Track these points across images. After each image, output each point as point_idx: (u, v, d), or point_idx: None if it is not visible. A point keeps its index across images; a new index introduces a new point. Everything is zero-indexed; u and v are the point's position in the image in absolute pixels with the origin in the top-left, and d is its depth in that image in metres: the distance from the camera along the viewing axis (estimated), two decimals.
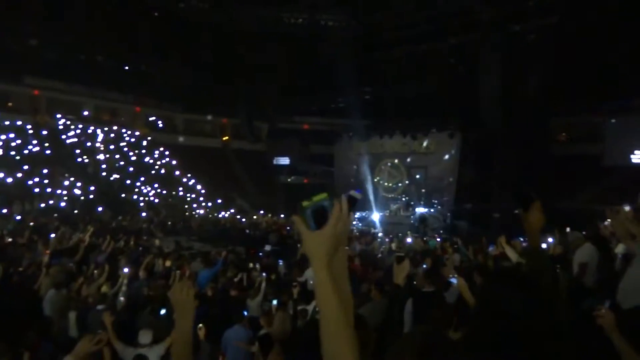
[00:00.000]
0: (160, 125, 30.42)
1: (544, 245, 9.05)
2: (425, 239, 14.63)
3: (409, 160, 23.94)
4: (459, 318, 3.15)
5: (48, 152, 21.58)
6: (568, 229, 8.78)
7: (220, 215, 21.21)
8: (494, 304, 1.36)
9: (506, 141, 20.34)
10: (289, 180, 29.42)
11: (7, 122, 22.25)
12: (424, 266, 7.31)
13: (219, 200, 24.45)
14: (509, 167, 19.21)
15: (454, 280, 3.45)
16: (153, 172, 24.91)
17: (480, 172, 20.99)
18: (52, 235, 10.04)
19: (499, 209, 18.28)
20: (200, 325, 4.01)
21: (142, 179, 23.33)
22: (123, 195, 21.32)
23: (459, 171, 22.01)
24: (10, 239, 10.47)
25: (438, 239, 14.44)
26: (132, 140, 26.74)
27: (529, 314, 1.29)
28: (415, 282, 5.61)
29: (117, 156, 24.15)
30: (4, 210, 15.84)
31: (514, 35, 22.15)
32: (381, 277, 7.60)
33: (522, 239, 9.26)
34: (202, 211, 22.42)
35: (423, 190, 22.41)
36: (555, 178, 19.14)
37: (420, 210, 20.41)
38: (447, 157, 22.53)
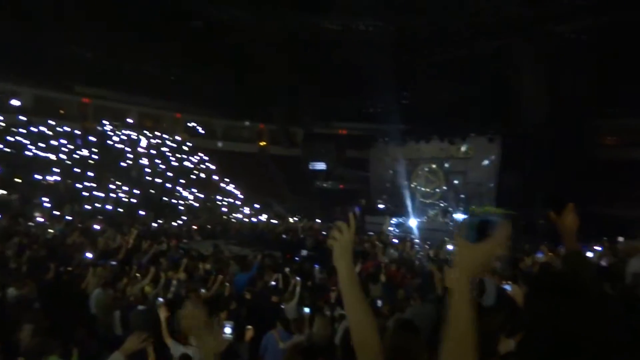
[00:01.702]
0: (200, 130, 31.27)
1: (589, 254, 8.68)
2: None
3: (446, 165, 23.47)
4: (512, 325, 3.04)
5: (95, 157, 22.58)
6: (621, 238, 8.37)
7: (257, 220, 21.50)
8: (540, 314, 1.30)
9: (549, 145, 19.61)
10: (324, 185, 29.49)
11: (59, 129, 23.51)
12: None
13: (256, 205, 24.80)
14: (552, 172, 18.50)
15: (507, 287, 3.32)
16: (193, 176, 25.60)
17: (522, 177, 20.30)
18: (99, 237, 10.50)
19: (544, 215, 17.58)
20: (249, 326, 4.06)
21: (182, 182, 24.01)
22: (164, 199, 21.98)
23: (500, 176, 21.37)
24: (60, 240, 11.01)
25: None
26: (173, 145, 27.60)
27: (578, 324, 1.23)
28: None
29: (159, 161, 24.97)
30: (55, 213, 16.66)
31: (556, 36, 21.37)
32: (419, 284, 7.48)
33: None
34: (239, 215, 22.80)
35: (462, 196, 21.91)
36: (604, 184, 18.27)
37: (459, 216, 19.95)
38: (486, 162, 21.92)
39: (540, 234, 15.07)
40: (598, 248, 8.81)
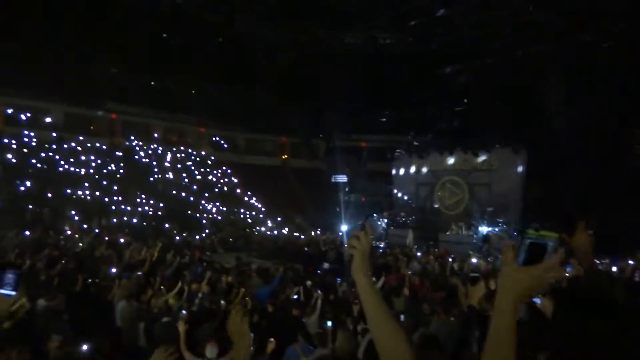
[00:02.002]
0: (223, 144, 31.76)
1: (614, 269, 8.35)
2: (489, 259, 13.98)
3: (470, 177, 23.12)
4: (537, 341, 2.94)
5: (122, 171, 23.18)
6: None
7: (279, 233, 21.58)
8: (571, 333, 1.25)
9: (577, 156, 19.11)
10: (346, 198, 29.43)
11: (88, 144, 24.27)
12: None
13: (278, 218, 24.92)
14: (581, 183, 17.99)
15: (537, 300, 3.21)
16: (216, 190, 25.95)
17: (549, 188, 19.82)
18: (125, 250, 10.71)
19: (571, 228, 17.08)
20: (272, 339, 4.08)
21: (206, 195, 24.36)
22: (189, 212, 22.32)
23: (526, 188, 20.92)
24: (89, 252, 11.29)
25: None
26: (198, 159, 28.10)
27: (610, 347, 1.18)
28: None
29: (184, 175, 25.44)
30: (84, 226, 17.13)
31: (582, 45, 20.97)
32: (444, 298, 7.35)
33: (598, 261, 8.61)
34: (262, 228, 22.93)
35: (487, 209, 21.51)
36: (635, 193, 17.65)
37: (484, 229, 19.56)
38: (512, 173, 21.51)
39: (569, 246, 14.61)
40: (631, 262, 8.49)
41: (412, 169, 25.46)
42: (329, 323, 5.50)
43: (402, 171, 26.41)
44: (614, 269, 8.48)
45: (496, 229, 19.80)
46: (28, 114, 23.92)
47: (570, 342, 1.27)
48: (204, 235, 19.04)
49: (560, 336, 1.34)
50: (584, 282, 2.05)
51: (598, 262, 8.94)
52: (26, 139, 22.51)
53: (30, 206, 17.88)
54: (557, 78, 20.74)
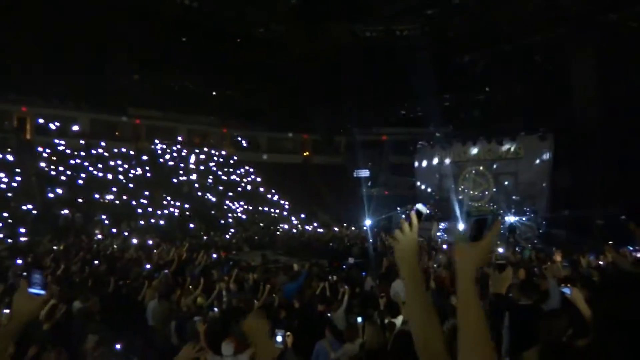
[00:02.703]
0: (245, 144, 32.06)
1: None
2: (517, 249, 13.72)
3: (495, 166, 22.66)
4: (574, 331, 2.90)
5: (148, 174, 23.68)
6: None
7: (303, 229, 21.68)
8: (615, 314, 1.19)
9: (605, 141, 18.51)
10: (369, 192, 29.31)
11: (114, 150, 24.89)
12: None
13: (302, 215, 25.02)
14: (609, 169, 17.43)
15: (567, 291, 3.14)
16: (240, 189, 26.24)
17: (578, 175, 19.26)
18: (154, 251, 10.97)
19: (602, 215, 16.58)
20: (289, 333, 4.11)
21: (230, 195, 24.66)
22: (213, 212, 22.65)
23: (553, 176, 20.38)
24: (119, 255, 11.61)
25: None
26: (221, 160, 28.45)
27: None
28: (511, 295, 5.28)
29: (208, 176, 25.81)
30: (113, 230, 17.60)
31: (608, 26, 20.24)
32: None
33: (630, 248, 8.36)
34: (286, 225, 23.08)
35: (514, 198, 21.08)
36: None
37: (510, 219, 19.19)
38: (538, 161, 20.97)
39: (598, 234, 14.24)
40: None
41: (435, 161, 25.13)
42: (359, 319, 5.51)
43: (424, 163, 26.11)
44: None
45: (523, 218, 19.41)
46: (57, 123, 24.66)
47: (612, 326, 1.23)
48: (229, 234, 19.29)
49: (602, 321, 1.29)
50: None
51: (631, 248, 8.68)
52: (57, 147, 23.24)
53: (63, 212, 18.48)
54: (583, 61, 20.10)
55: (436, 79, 23.78)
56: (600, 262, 7.66)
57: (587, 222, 17.03)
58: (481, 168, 23.08)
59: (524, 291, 4.29)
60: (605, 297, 1.26)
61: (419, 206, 1.42)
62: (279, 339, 3.47)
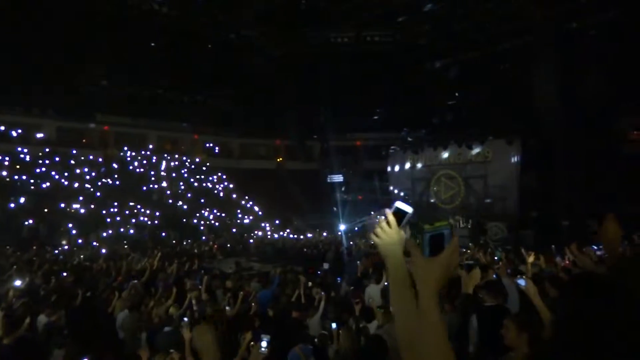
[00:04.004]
0: (217, 150, 31.71)
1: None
2: (489, 250, 14.02)
3: (466, 170, 23.19)
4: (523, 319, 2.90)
5: (117, 182, 23.09)
6: None
7: (277, 235, 21.57)
8: (580, 313, 1.20)
9: (569, 144, 19.22)
10: (343, 197, 29.44)
11: (82, 158, 24.18)
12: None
13: (277, 221, 24.90)
14: (575, 171, 18.09)
15: (521, 282, 3.15)
16: (213, 196, 25.90)
17: (544, 178, 19.91)
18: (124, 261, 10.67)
19: (568, 216, 17.17)
20: (247, 334, 4.07)
21: (203, 202, 24.30)
22: (185, 220, 22.27)
23: (521, 178, 20.99)
24: (87, 266, 11.24)
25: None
26: (193, 166, 28.04)
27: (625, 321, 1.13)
28: (480, 296, 5.36)
29: (180, 183, 25.38)
30: (79, 241, 17.06)
31: (569, 34, 21.10)
32: (445, 293, 7.35)
33: (595, 247, 8.66)
34: (260, 232, 22.91)
35: (484, 200, 21.58)
36: (629, 180, 17.77)
37: (480, 221, 19.64)
38: (507, 164, 21.58)
39: (564, 235, 14.73)
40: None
41: (407, 165, 25.50)
42: (334, 325, 5.49)
43: (397, 168, 26.45)
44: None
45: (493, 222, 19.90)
46: (19, 130, 23.79)
47: (566, 320, 1.25)
48: (202, 241, 19.00)
49: (566, 320, 1.30)
50: (617, 269, 2.06)
51: (595, 247, 9.00)
52: (19, 156, 22.39)
53: (26, 222, 17.80)
54: (546, 67, 20.84)
55: (407, 85, 24.21)
56: (566, 262, 7.90)
57: (553, 223, 17.60)
58: (452, 172, 23.56)
59: (489, 292, 4.32)
60: (571, 296, 1.26)
61: (399, 204, 1.30)
62: (263, 344, 3.42)
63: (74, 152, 24.41)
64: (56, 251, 13.92)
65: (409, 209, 1.31)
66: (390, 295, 1.32)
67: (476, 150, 22.54)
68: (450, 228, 1.15)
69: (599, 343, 1.12)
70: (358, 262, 10.86)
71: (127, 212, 20.65)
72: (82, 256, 12.87)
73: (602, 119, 19.60)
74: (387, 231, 1.29)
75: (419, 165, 24.56)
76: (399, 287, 1.29)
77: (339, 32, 27.25)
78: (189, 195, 24.61)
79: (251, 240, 20.53)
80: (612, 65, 19.34)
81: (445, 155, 23.79)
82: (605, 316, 1.13)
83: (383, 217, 1.30)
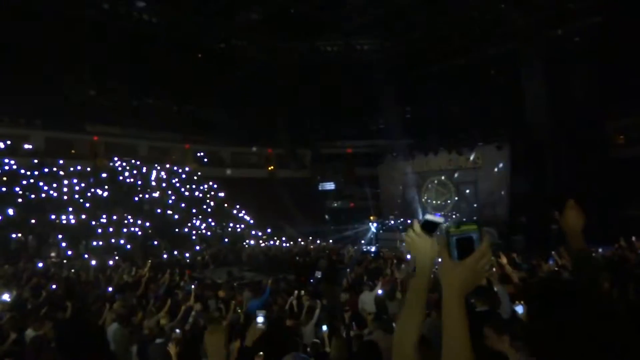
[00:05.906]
0: (208, 160, 31.59)
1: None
2: None
3: (456, 176, 23.36)
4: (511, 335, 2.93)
5: (107, 193, 22.86)
6: (634, 238, 8.22)
7: (269, 244, 21.47)
8: (542, 317, 1.22)
9: (558, 149, 19.46)
10: (335, 205, 29.45)
11: (71, 168, 23.92)
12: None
13: (269, 229, 24.80)
14: (563, 175, 18.30)
15: (519, 309, 3.15)
16: (204, 206, 25.74)
17: (534, 183, 20.11)
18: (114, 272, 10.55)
19: (557, 220, 17.33)
20: (261, 352, 4.04)
21: (194, 212, 24.14)
22: (177, 230, 22.09)
23: (511, 183, 21.19)
24: (76, 278, 11.09)
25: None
26: (183, 176, 27.88)
27: (585, 327, 1.14)
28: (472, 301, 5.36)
29: (170, 192, 25.19)
30: (69, 252, 16.84)
31: (556, 39, 21.45)
32: (438, 300, 7.37)
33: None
34: (252, 241, 22.79)
35: (475, 206, 21.74)
36: (617, 183, 18.01)
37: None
38: (496, 170, 21.78)
39: (553, 239, 14.85)
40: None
41: (398, 172, 25.64)
42: (324, 327, 5.48)
43: (388, 175, 26.59)
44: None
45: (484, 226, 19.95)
46: (8, 142, 23.52)
47: (535, 330, 1.24)
48: (194, 252, 18.85)
49: (528, 325, 1.31)
50: (572, 263, 2.04)
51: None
52: (6, 167, 22.10)
53: (14, 235, 17.54)
54: (532, 73, 21.16)
55: (397, 92, 24.38)
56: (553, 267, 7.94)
57: (543, 227, 17.73)
58: (443, 178, 23.73)
59: (478, 297, 4.28)
60: (541, 299, 1.25)
61: (429, 216, 1.29)
62: (260, 319, 3.43)
63: (63, 162, 24.14)
64: (40, 264, 13.62)
65: (439, 219, 1.30)
66: (408, 297, 1.31)
67: (466, 156, 22.75)
68: (479, 232, 1.12)
69: (560, 351, 1.11)
70: (349, 269, 10.89)
71: (117, 222, 20.44)
72: (72, 270, 12.69)
73: (589, 123, 19.89)
74: (416, 240, 1.28)
75: (410, 171, 24.70)
76: (420, 292, 1.27)
77: (328, 41, 27.45)
78: (181, 204, 24.43)
79: (243, 248, 20.42)
80: (597, 71, 19.67)
81: (436, 161, 23.97)
82: (564, 325, 1.11)
83: (411, 227, 1.29)
